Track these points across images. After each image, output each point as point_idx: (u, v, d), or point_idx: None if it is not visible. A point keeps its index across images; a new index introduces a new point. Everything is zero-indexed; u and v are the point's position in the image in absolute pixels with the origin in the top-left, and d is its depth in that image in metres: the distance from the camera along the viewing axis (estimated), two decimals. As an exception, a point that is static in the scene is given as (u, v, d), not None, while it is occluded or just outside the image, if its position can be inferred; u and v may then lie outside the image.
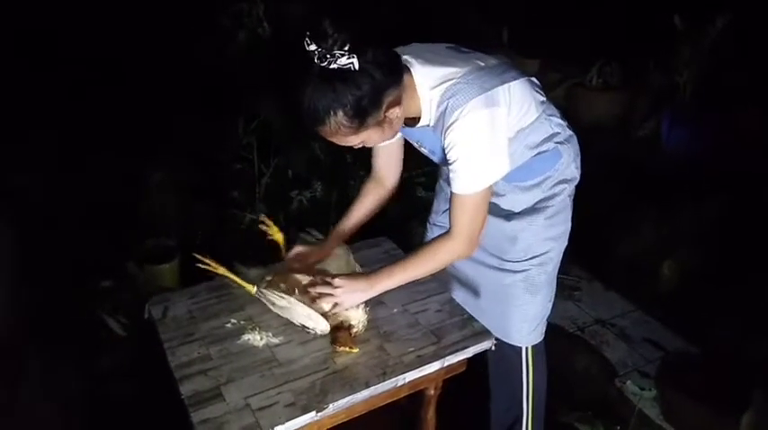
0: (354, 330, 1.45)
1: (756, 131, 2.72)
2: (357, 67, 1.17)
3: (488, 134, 1.30)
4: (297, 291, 1.47)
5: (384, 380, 1.35)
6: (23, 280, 2.16)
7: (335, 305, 1.42)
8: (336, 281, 1.42)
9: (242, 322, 1.48)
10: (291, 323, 1.47)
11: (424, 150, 1.52)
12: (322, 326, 1.42)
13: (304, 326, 1.43)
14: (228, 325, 1.47)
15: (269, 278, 1.53)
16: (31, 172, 2.44)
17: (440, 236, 1.45)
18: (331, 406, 1.28)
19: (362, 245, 1.84)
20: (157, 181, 2.77)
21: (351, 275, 1.48)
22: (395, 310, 1.57)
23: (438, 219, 1.78)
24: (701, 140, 2.90)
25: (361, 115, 1.22)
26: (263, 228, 1.67)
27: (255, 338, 1.43)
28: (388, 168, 1.62)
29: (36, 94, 2.73)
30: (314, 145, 3.08)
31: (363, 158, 1.67)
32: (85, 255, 2.48)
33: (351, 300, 1.43)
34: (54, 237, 2.56)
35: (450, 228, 1.41)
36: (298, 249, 1.60)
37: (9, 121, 2.39)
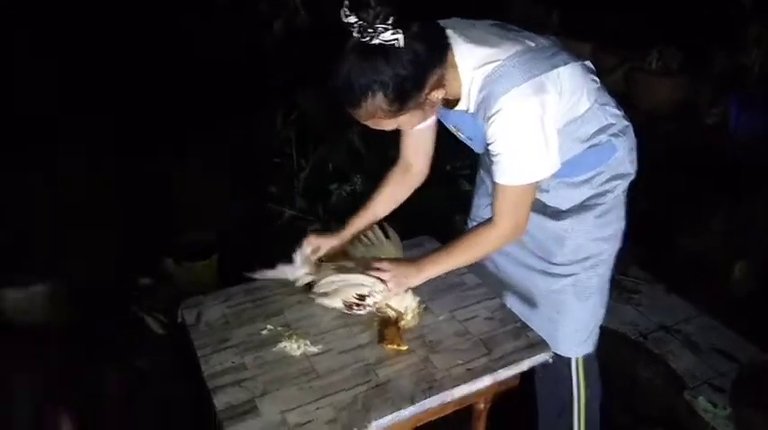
0: (403, 322, 1.36)
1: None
2: (402, 43, 1.05)
3: (537, 125, 1.17)
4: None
5: (430, 396, 1.24)
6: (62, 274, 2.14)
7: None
8: (384, 265, 1.36)
9: (279, 328, 1.39)
10: (330, 331, 1.38)
11: (461, 136, 1.40)
12: (378, 286, 1.35)
13: (360, 297, 1.35)
14: (265, 331, 1.39)
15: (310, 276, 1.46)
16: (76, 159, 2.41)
17: (484, 222, 1.35)
18: (374, 424, 1.17)
19: (406, 244, 1.71)
20: (195, 174, 2.72)
21: (397, 260, 1.41)
22: (441, 317, 1.45)
23: (478, 214, 1.66)
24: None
25: (403, 98, 1.11)
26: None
27: (293, 347, 1.33)
28: (416, 154, 1.49)
29: (75, 86, 2.73)
30: (353, 137, 2.98)
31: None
32: (124, 251, 2.47)
33: (398, 285, 1.35)
34: (94, 231, 2.55)
35: (493, 214, 1.30)
36: (311, 240, 1.49)
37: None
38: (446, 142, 1.48)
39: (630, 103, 1.20)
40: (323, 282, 1.40)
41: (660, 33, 3.28)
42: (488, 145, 1.23)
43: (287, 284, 1.51)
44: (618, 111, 1.37)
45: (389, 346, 1.32)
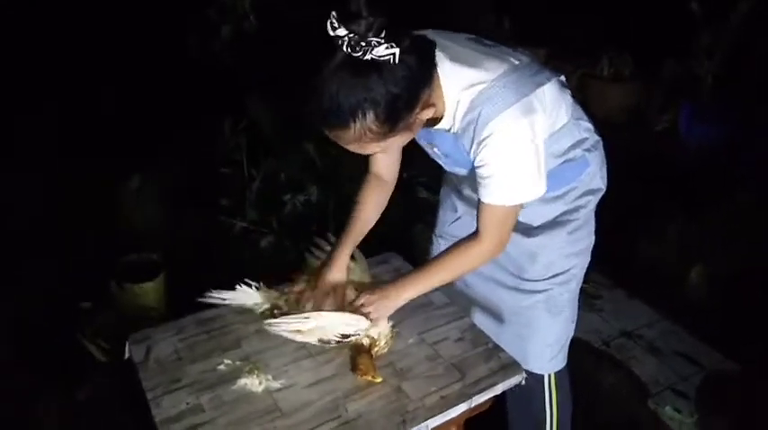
0: (376, 349, 1.29)
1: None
2: (398, 59, 0.95)
3: (528, 148, 1.13)
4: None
5: (404, 430, 1.16)
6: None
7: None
8: (364, 299, 1.29)
9: (237, 363, 1.28)
10: (294, 362, 1.29)
11: (435, 151, 1.32)
12: (364, 324, 1.27)
13: (344, 336, 1.27)
14: (222, 366, 1.28)
15: (280, 299, 1.37)
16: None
17: (467, 238, 1.28)
18: (345, 467, 1.09)
19: (369, 262, 1.63)
20: (137, 187, 2.54)
21: (374, 287, 1.33)
22: (410, 341, 1.38)
23: (445, 230, 1.61)
24: (724, 134, 2.73)
25: (394, 118, 1.01)
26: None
27: (254, 383, 1.23)
28: (389, 166, 1.42)
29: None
30: (307, 146, 2.88)
31: (362, 158, 1.48)
32: (62, 273, 2.29)
33: (382, 311, 1.29)
34: (26, 252, 2.36)
35: (477, 231, 1.24)
36: (324, 282, 1.36)
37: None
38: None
39: (583, 108, 1.20)
40: (295, 318, 1.29)
41: (612, 40, 3.33)
42: (477, 168, 1.17)
43: (243, 312, 1.41)
44: (590, 126, 1.35)
45: (363, 377, 1.24)
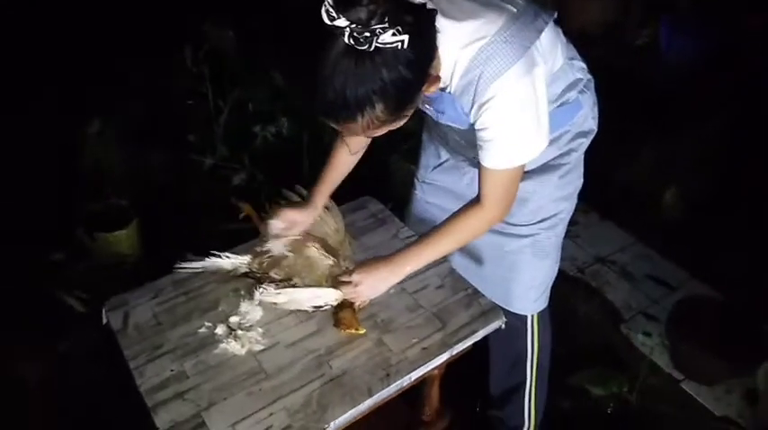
0: (358, 304, 1.29)
1: (764, 37, 2.48)
2: (407, 44, 0.86)
3: (532, 106, 1.07)
4: (295, 271, 1.32)
5: (388, 384, 1.19)
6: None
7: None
8: (354, 277, 1.25)
9: (218, 324, 1.27)
10: (276, 320, 1.29)
11: (426, 107, 1.25)
12: (333, 296, 1.27)
13: (316, 308, 1.28)
14: (202, 329, 1.27)
15: (254, 264, 1.35)
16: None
17: (468, 206, 1.24)
18: (332, 424, 1.12)
19: (345, 209, 1.60)
20: (97, 131, 2.40)
21: (368, 263, 1.28)
22: (390, 292, 1.37)
23: (428, 175, 1.56)
24: (704, 49, 2.65)
25: (404, 103, 0.94)
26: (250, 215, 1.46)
27: (236, 347, 1.23)
28: None
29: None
30: (275, 74, 2.73)
31: None
32: (27, 223, 2.20)
33: (374, 291, 1.27)
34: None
35: (480, 197, 1.20)
36: (286, 214, 1.37)
37: None
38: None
39: (561, 22, 1.13)
40: (266, 290, 1.28)
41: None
42: (478, 131, 1.11)
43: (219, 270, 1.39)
44: (583, 65, 1.29)
45: (347, 331, 1.26)
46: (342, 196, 1.56)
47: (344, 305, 1.28)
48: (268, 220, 1.38)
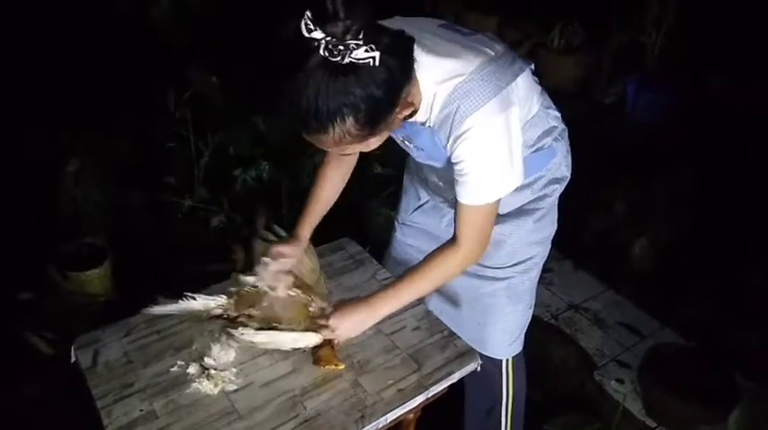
0: (337, 340, 1.28)
1: (727, 97, 2.63)
2: (378, 61, 0.91)
3: (504, 144, 1.11)
4: (271, 311, 1.31)
5: (363, 426, 1.18)
6: None
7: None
8: (332, 321, 1.25)
9: (191, 363, 1.25)
10: (250, 360, 1.27)
11: (407, 145, 1.29)
12: (313, 340, 1.27)
13: (295, 349, 1.28)
14: (175, 368, 1.25)
15: (228, 305, 1.33)
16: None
17: (444, 246, 1.26)
18: (305, 467, 1.09)
19: (324, 250, 1.62)
20: (77, 167, 2.40)
21: (345, 306, 1.28)
22: (368, 332, 1.37)
23: (408, 218, 1.59)
24: (670, 107, 2.79)
25: (375, 121, 0.97)
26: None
27: (208, 386, 1.21)
28: None
29: None
30: (257, 119, 2.78)
31: None
32: (-1, 262, 2.16)
33: (352, 333, 1.28)
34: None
35: (456, 237, 1.22)
36: (277, 250, 1.37)
37: None
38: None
39: (538, 75, 1.20)
40: (245, 332, 1.27)
41: (563, 7, 3.30)
42: (454, 164, 1.15)
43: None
44: (558, 114, 1.35)
45: (326, 367, 1.25)
46: (320, 237, 1.58)
47: (322, 344, 1.28)
48: (261, 258, 1.38)
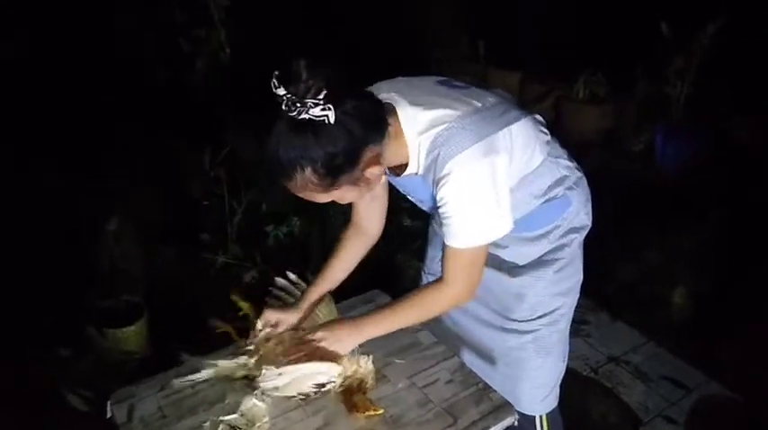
0: (368, 385, 1.28)
1: (750, 141, 2.61)
2: (333, 120, 0.99)
3: (487, 188, 1.13)
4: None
5: (399, 483, 1.14)
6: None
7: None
8: (317, 335, 1.29)
9: (224, 418, 1.25)
10: (282, 414, 1.26)
11: (411, 198, 1.35)
12: (336, 371, 1.27)
13: (319, 386, 1.27)
14: (207, 423, 1.24)
15: (253, 362, 1.34)
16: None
17: (434, 282, 1.29)
18: None
19: (355, 301, 1.63)
20: (115, 225, 2.49)
21: (331, 323, 1.34)
22: (400, 385, 1.36)
23: (433, 267, 1.60)
24: (697, 153, 2.78)
25: (334, 173, 1.05)
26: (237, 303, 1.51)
27: (241, 443, 1.19)
28: (370, 215, 1.43)
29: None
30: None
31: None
32: (38, 318, 2.22)
33: (336, 347, 1.29)
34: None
35: (443, 275, 1.25)
36: (269, 316, 1.41)
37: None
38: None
39: (559, 131, 1.22)
40: (266, 373, 1.27)
41: (587, 60, 3.37)
42: (438, 207, 1.18)
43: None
44: (570, 163, 1.35)
45: (365, 414, 1.23)
46: (351, 290, 1.59)
47: (353, 390, 1.27)
48: (255, 321, 1.41)
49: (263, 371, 1.27)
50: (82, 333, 2.17)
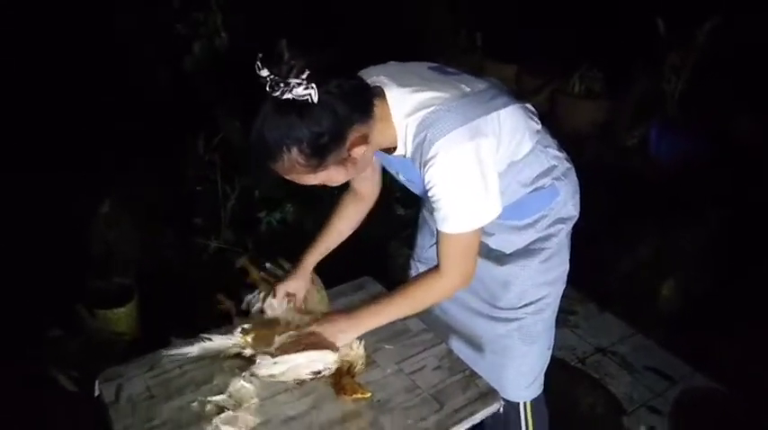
0: (357, 368, 1.30)
1: (748, 139, 2.63)
2: (316, 99, 0.99)
3: (474, 170, 1.13)
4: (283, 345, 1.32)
5: (383, 466, 1.15)
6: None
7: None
8: (313, 328, 1.30)
9: (211, 398, 1.25)
10: (270, 397, 1.27)
11: (402, 179, 1.35)
12: (331, 359, 1.28)
13: (316, 373, 1.28)
14: (195, 403, 1.25)
15: (246, 340, 1.35)
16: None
17: (429, 271, 1.29)
18: None
19: (345, 288, 1.64)
20: (108, 208, 2.49)
21: (328, 316, 1.34)
22: (388, 371, 1.37)
23: (423, 255, 1.61)
24: (692, 150, 2.80)
25: (320, 154, 1.05)
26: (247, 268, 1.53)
27: (230, 420, 1.20)
28: (365, 185, 1.46)
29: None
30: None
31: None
32: (27, 298, 2.22)
33: (333, 338, 1.30)
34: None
35: (438, 264, 1.25)
36: (281, 289, 1.44)
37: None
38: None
39: (554, 124, 1.22)
40: (262, 363, 1.28)
41: (584, 54, 3.38)
42: (427, 190, 1.18)
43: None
44: (560, 154, 1.36)
45: (353, 397, 1.25)
46: (342, 276, 1.60)
47: (342, 373, 1.28)
48: (269, 300, 1.44)
49: (258, 360, 1.28)
50: (72, 314, 2.17)
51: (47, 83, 3.13)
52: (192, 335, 1.39)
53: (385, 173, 1.45)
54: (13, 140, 2.75)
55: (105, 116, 3.10)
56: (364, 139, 1.11)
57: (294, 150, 1.02)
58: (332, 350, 1.29)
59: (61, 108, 3.11)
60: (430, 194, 1.17)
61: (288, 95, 0.98)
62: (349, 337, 1.30)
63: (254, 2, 3.05)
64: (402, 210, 2.81)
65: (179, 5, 2.82)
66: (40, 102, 3.11)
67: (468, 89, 1.18)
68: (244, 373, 1.30)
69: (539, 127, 1.31)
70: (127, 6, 3.36)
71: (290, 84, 0.97)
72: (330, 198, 2.60)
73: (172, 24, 2.78)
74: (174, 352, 1.35)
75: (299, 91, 0.98)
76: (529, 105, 1.31)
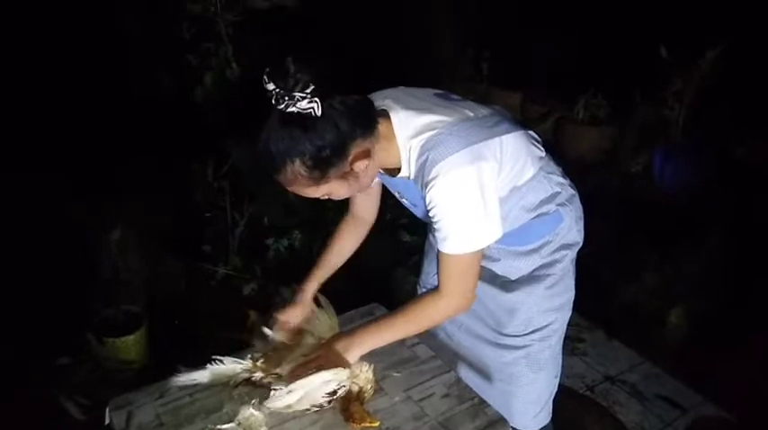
0: (365, 394, 1.29)
1: (752, 164, 2.64)
2: (319, 112, 1.03)
3: (474, 193, 1.15)
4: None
5: (393, 497, 1.15)
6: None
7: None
8: (320, 352, 1.31)
9: (221, 427, 1.25)
10: (278, 425, 1.26)
11: (405, 202, 1.37)
12: (344, 375, 1.28)
13: (332, 394, 1.27)
14: (205, 432, 1.25)
15: (257, 366, 1.35)
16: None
17: (430, 291, 1.30)
18: None
19: (354, 315, 1.64)
20: (118, 235, 2.52)
21: (332, 338, 1.35)
22: (396, 399, 1.37)
23: (429, 280, 1.62)
24: (696, 175, 2.81)
25: (323, 166, 1.08)
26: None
27: (237, 453, 1.20)
28: (365, 207, 1.48)
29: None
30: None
31: (343, 205, 1.54)
32: (37, 326, 2.23)
33: (336, 360, 1.30)
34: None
35: (439, 286, 1.26)
36: (281, 321, 1.44)
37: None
38: (386, 191, 1.46)
39: (559, 151, 1.23)
40: (276, 394, 1.28)
41: (588, 82, 3.42)
42: (428, 211, 1.21)
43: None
44: (563, 180, 1.37)
45: (362, 425, 1.24)
46: (348, 304, 1.61)
47: (351, 399, 1.28)
48: (267, 332, 1.43)
49: (272, 393, 1.27)
50: (82, 341, 2.19)
51: (60, 106, 3.20)
52: (201, 363, 1.40)
53: (389, 199, 1.47)
54: (28, 166, 2.79)
55: (115, 142, 3.15)
56: (366, 154, 1.13)
57: (297, 162, 1.05)
58: (343, 367, 1.29)
59: (70, 135, 3.16)
60: (431, 215, 1.20)
61: (292, 108, 1.01)
62: (353, 357, 1.31)
63: (263, 35, 3.13)
64: (408, 236, 2.83)
65: (189, 37, 2.90)
66: (51, 126, 3.17)
67: (472, 114, 1.21)
68: (253, 401, 1.30)
69: (542, 153, 1.33)
70: (140, 38, 3.45)
71: (294, 97, 1.01)
72: (333, 225, 2.64)
73: (183, 55, 2.85)
74: (183, 378, 1.35)
75: (303, 104, 1.01)
76: (532, 132, 1.34)
